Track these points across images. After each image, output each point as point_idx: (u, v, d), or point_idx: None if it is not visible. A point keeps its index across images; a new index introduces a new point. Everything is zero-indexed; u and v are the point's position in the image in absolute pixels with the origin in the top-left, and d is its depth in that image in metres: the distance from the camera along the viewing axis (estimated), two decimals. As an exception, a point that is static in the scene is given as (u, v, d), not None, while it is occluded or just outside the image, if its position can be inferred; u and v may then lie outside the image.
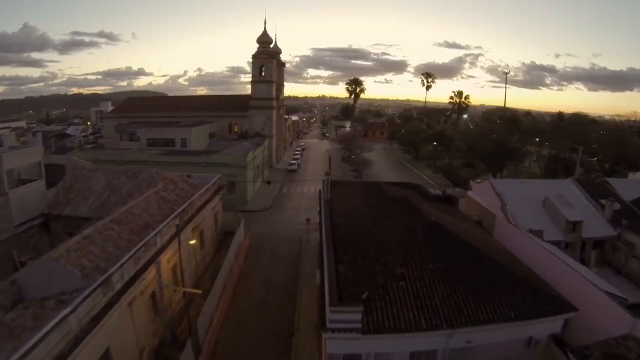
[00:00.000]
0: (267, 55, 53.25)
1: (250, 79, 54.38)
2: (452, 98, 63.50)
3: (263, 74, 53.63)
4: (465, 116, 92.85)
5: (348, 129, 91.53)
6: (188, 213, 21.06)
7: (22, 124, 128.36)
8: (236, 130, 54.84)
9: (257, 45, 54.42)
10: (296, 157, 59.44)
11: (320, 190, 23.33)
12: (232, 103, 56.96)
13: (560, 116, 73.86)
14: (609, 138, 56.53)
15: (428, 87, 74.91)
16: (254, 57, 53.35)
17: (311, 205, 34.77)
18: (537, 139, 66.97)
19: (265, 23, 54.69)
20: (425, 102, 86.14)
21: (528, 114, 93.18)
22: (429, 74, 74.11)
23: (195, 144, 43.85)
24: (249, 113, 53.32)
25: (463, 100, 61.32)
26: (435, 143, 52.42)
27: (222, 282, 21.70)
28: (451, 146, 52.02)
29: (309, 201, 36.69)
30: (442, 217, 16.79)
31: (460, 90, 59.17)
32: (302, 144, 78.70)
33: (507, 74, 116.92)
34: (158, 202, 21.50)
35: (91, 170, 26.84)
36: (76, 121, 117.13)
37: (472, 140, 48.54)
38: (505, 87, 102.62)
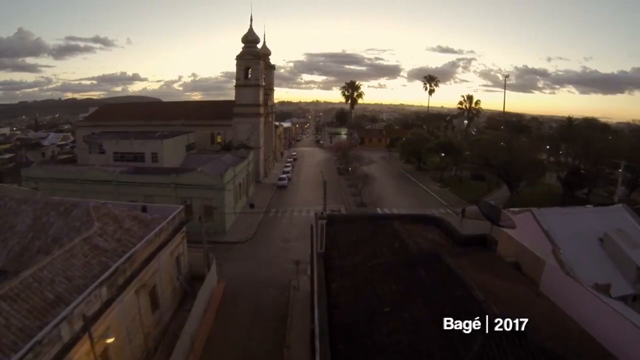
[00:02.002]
0: (252, 56, 47.51)
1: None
2: (461, 103, 58.08)
3: (249, 76, 47.92)
4: (466, 121, 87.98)
5: (343, 136, 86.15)
6: (126, 272, 15.11)
7: (6, 130, 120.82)
8: (219, 140, 48.92)
9: (242, 45, 48.65)
10: (286, 169, 53.51)
11: (311, 227, 17.53)
12: (215, 109, 51.07)
13: (569, 121, 69.15)
14: (628, 145, 51.79)
15: (431, 91, 69.51)
16: (238, 57, 47.57)
17: (302, 233, 28.90)
18: (548, 147, 62.22)
19: (251, 20, 49.01)
20: (428, 106, 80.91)
21: (534, 119, 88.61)
22: (431, 77, 68.76)
23: (168, 158, 37.80)
24: (233, 121, 47.44)
25: (473, 105, 55.57)
26: (442, 154, 46.96)
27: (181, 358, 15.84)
28: (460, 157, 46.65)
29: (300, 228, 30.82)
30: (496, 289, 11.14)
31: (470, 94, 53.95)
32: (294, 153, 72.79)
33: (506, 77, 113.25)
34: (87, 254, 15.52)
35: (18, 201, 20.78)
36: (66, 127, 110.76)
37: (483, 149, 43.19)
38: (504, 91, 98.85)
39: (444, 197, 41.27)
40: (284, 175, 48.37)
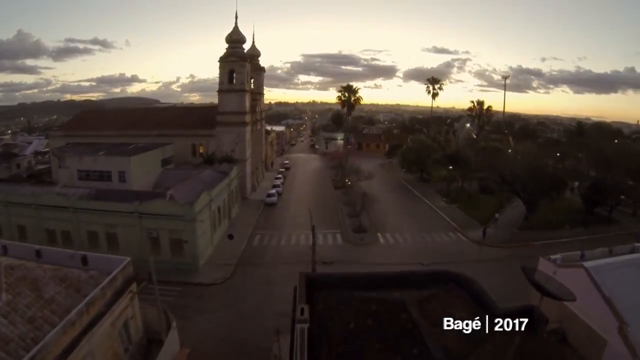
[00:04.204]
0: (237, 58, 42.58)
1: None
2: (470, 109, 53.07)
3: (234, 81, 43.01)
4: (468, 125, 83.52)
5: (339, 141, 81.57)
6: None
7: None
8: (201, 151, 44.12)
9: (226, 46, 43.80)
10: (277, 182, 48.53)
11: (293, 305, 12.96)
12: (198, 117, 46.24)
13: (579, 126, 64.85)
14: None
15: (434, 95, 64.36)
16: (221, 59, 42.60)
17: (290, 271, 24.33)
18: (558, 154, 58.03)
19: (236, 17, 43.90)
20: (431, 109, 75.98)
21: (541, 123, 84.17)
22: (435, 79, 63.68)
23: (138, 176, 32.98)
24: (216, 130, 42.62)
25: (484, 111, 50.14)
26: (450, 167, 42.31)
27: None
28: (468, 169, 42.10)
29: (288, 262, 26.25)
30: None
31: (481, 99, 49.07)
32: (287, 162, 67.51)
33: (505, 78, 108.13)
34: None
35: None
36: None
37: (496, 161, 38.67)
38: (504, 92, 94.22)
39: (453, 216, 36.70)
40: (273, 191, 43.52)
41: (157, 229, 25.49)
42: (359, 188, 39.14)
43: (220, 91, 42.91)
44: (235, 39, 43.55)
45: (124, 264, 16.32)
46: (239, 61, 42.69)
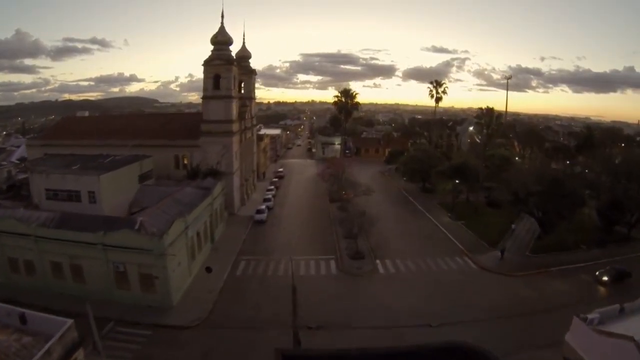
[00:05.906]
0: (223, 61, 39.01)
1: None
2: (479, 117, 49.60)
3: (219, 86, 39.51)
4: (471, 127, 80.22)
5: (337, 146, 78.35)
6: None
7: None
8: (185, 162, 40.80)
9: (211, 48, 40.29)
10: (267, 196, 44.86)
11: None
12: (180, 126, 42.87)
13: (588, 130, 61.61)
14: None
15: (438, 99, 60.83)
16: (206, 63, 38.95)
17: (279, 311, 21.20)
18: (568, 162, 55.03)
19: (222, 17, 40.13)
20: (434, 112, 72.39)
21: (548, 127, 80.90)
22: (438, 83, 60.06)
23: (110, 197, 29.74)
24: (201, 141, 39.24)
25: (494, 118, 46.37)
26: (456, 180, 38.97)
27: None
28: (477, 183, 38.88)
29: (274, 297, 23.02)
30: None
31: (490, 106, 45.67)
32: (280, 170, 63.53)
33: (508, 78, 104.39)
34: None
35: None
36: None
37: (505, 172, 35.51)
38: (507, 92, 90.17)
39: (460, 236, 33.30)
40: (263, 206, 39.98)
41: (125, 263, 22.33)
42: (356, 205, 35.81)
43: (204, 98, 39.47)
44: (220, 40, 39.96)
45: (64, 330, 13.05)
46: (225, 65, 39.14)
